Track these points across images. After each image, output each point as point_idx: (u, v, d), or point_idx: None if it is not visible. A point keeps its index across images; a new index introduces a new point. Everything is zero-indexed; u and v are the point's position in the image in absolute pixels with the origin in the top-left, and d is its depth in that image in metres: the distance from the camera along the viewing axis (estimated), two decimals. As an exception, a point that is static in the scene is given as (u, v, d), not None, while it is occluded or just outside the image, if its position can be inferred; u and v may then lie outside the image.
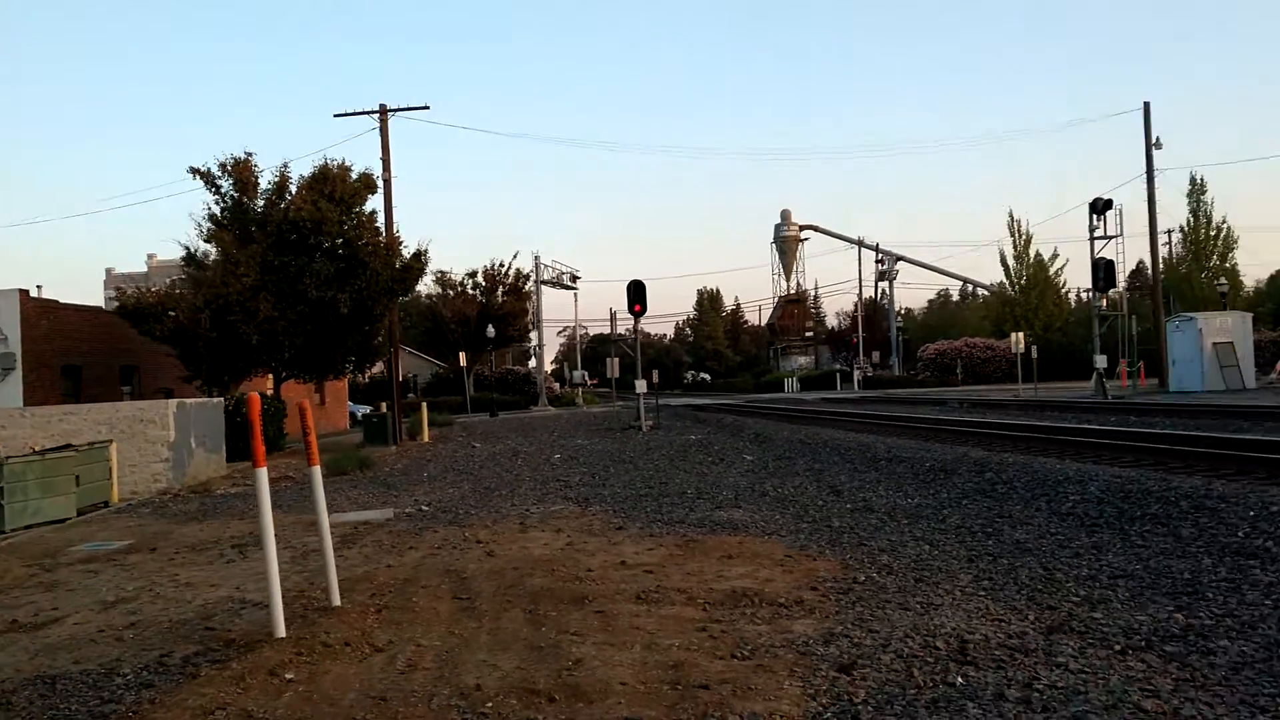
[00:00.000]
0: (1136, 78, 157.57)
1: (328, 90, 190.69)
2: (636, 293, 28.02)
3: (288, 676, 5.17)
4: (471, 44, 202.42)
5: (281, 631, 5.90)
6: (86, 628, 6.84)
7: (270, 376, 28.23)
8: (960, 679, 4.67)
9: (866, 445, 16.85)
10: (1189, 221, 60.18)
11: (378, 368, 47.30)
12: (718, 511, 10.75)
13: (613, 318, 55.07)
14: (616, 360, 37.79)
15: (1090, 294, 40.52)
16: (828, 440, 18.85)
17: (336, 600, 6.70)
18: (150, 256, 67.69)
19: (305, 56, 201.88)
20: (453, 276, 60.32)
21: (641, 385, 29.11)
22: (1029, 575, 6.84)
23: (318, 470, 6.72)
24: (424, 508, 12.56)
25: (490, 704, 4.63)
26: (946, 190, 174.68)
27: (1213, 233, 59.79)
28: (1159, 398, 33.45)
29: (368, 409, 52.62)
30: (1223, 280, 53.86)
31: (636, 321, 29.48)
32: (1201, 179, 59.39)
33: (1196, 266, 59.61)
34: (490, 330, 49.65)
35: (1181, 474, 10.60)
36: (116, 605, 7.54)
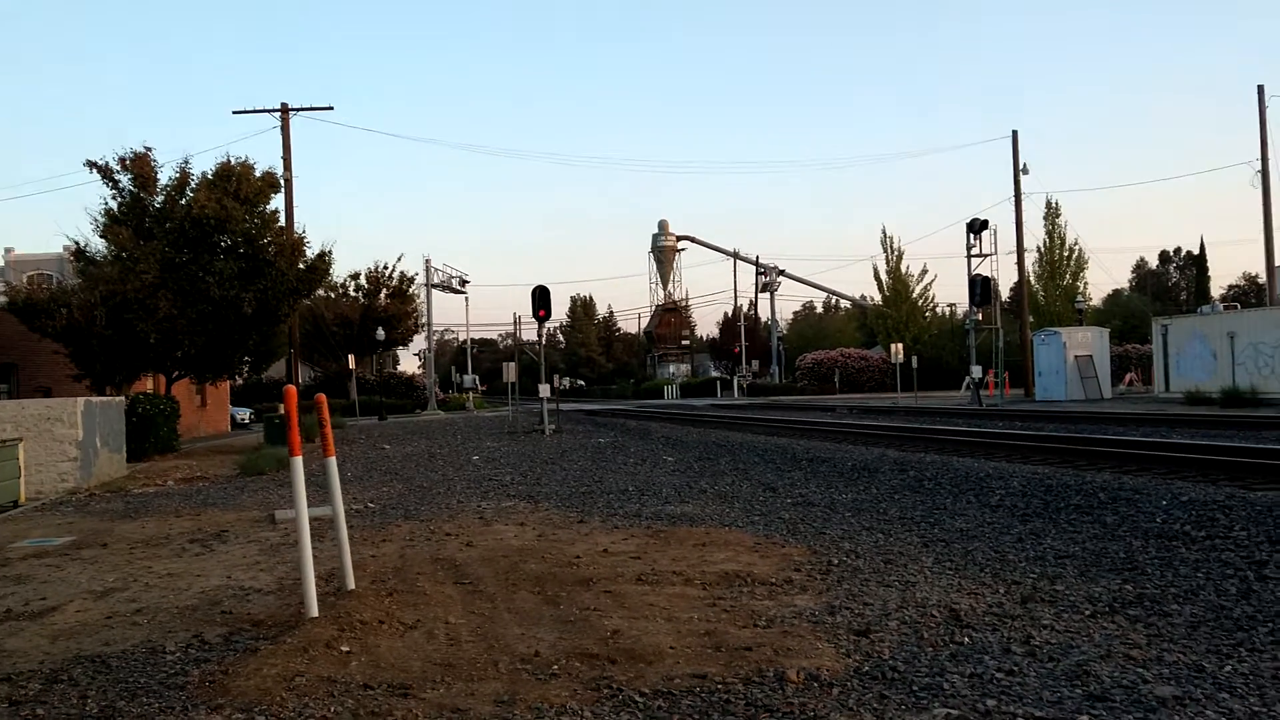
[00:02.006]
0: (1009, 107, 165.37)
1: (229, 88, 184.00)
2: (541, 298, 28.37)
3: (344, 649, 5.47)
4: (374, 51, 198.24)
5: (315, 611, 6.16)
6: (92, 615, 6.92)
7: (162, 377, 27.51)
8: (966, 638, 5.33)
9: (781, 447, 17.66)
10: (1045, 242, 63.80)
11: (274, 369, 46.23)
12: (668, 507, 11.29)
13: (516, 322, 55.41)
14: (514, 365, 37.99)
15: (968, 308, 42.66)
16: (740, 443, 19.61)
17: (351, 584, 6.96)
18: (8, 251, 64.36)
19: (206, 53, 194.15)
20: (334, 279, 59.42)
21: (545, 390, 29.45)
22: (984, 557, 7.61)
23: (333, 461, 6.98)
24: (370, 505, 12.73)
25: (556, 666, 5.05)
26: (822, 207, 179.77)
27: (1066, 253, 63.52)
28: (1028, 406, 35.55)
29: (248, 412, 51.49)
30: (1081, 297, 57.32)
31: (541, 326, 29.82)
32: (1056, 203, 63.01)
33: (1051, 284, 63.24)
34: (380, 333, 49.06)
35: (1091, 470, 11.67)
36: (110, 594, 7.60)
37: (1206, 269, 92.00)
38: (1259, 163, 40.20)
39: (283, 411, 30.58)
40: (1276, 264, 42.07)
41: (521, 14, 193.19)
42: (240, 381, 40.62)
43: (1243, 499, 8.88)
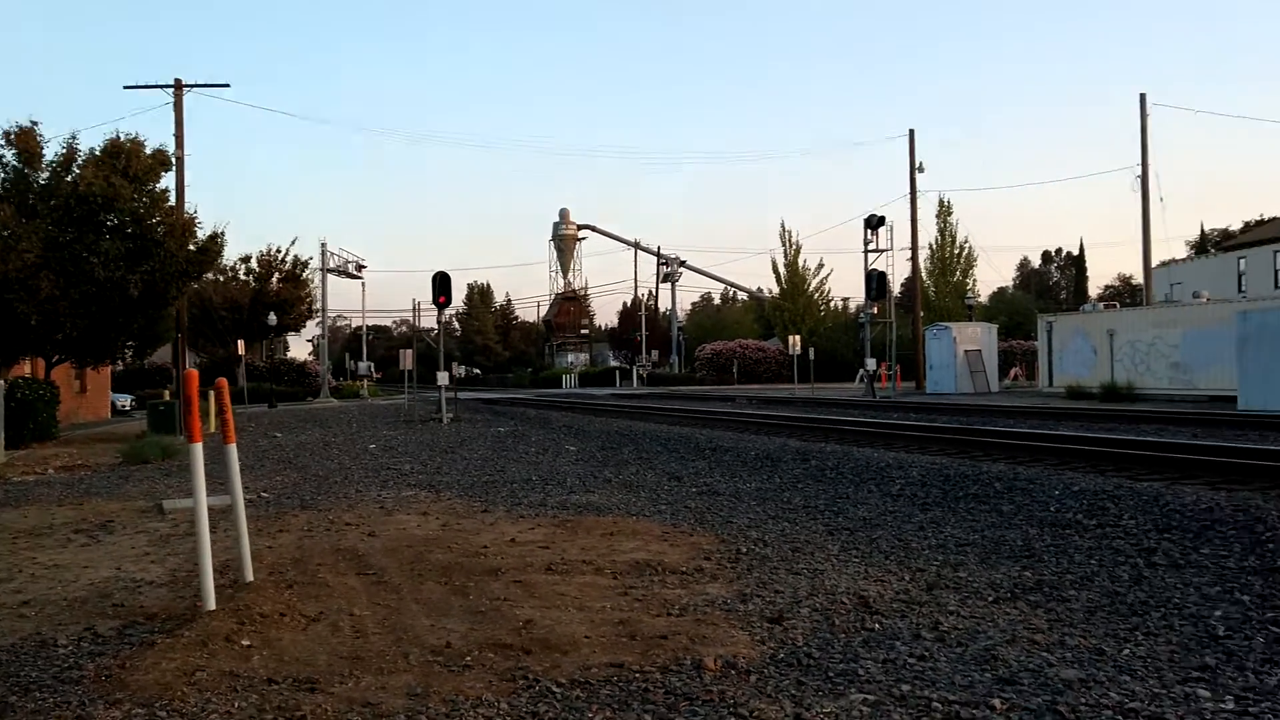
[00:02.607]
0: (907, 106, 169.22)
1: (121, 63, 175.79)
2: (442, 284, 27.96)
3: (245, 643, 5.27)
4: (272, 31, 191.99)
5: (212, 604, 5.92)
6: (-32, 609, 6.54)
7: (41, 360, 26.26)
8: (876, 625, 5.40)
9: (684, 437, 17.75)
10: (937, 240, 65.54)
11: (157, 355, 44.58)
12: (573, 496, 11.22)
13: (415, 309, 54.39)
14: (411, 352, 37.38)
15: (864, 302, 43.62)
16: (643, 432, 19.65)
17: (249, 576, 6.72)
18: None
19: (97, 25, 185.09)
20: (225, 262, 57.61)
21: (444, 378, 29.05)
22: (888, 545, 7.74)
23: (233, 448, 6.73)
24: (263, 494, 12.33)
25: (469, 657, 4.94)
26: (725, 199, 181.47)
27: (957, 250, 65.36)
28: (920, 398, 36.52)
29: (129, 398, 49.57)
30: (971, 294, 59.09)
31: (440, 313, 29.43)
32: (948, 201, 64.78)
33: (943, 281, 65.02)
34: (272, 318, 47.73)
35: (986, 461, 12.01)
36: (-11, 587, 7.19)
37: (1085, 269, 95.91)
38: (1139, 169, 42.00)
39: (168, 398, 29.52)
40: (1153, 266, 44.02)
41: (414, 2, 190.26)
42: (122, 366, 39.04)
43: (1130, 489, 9.24)
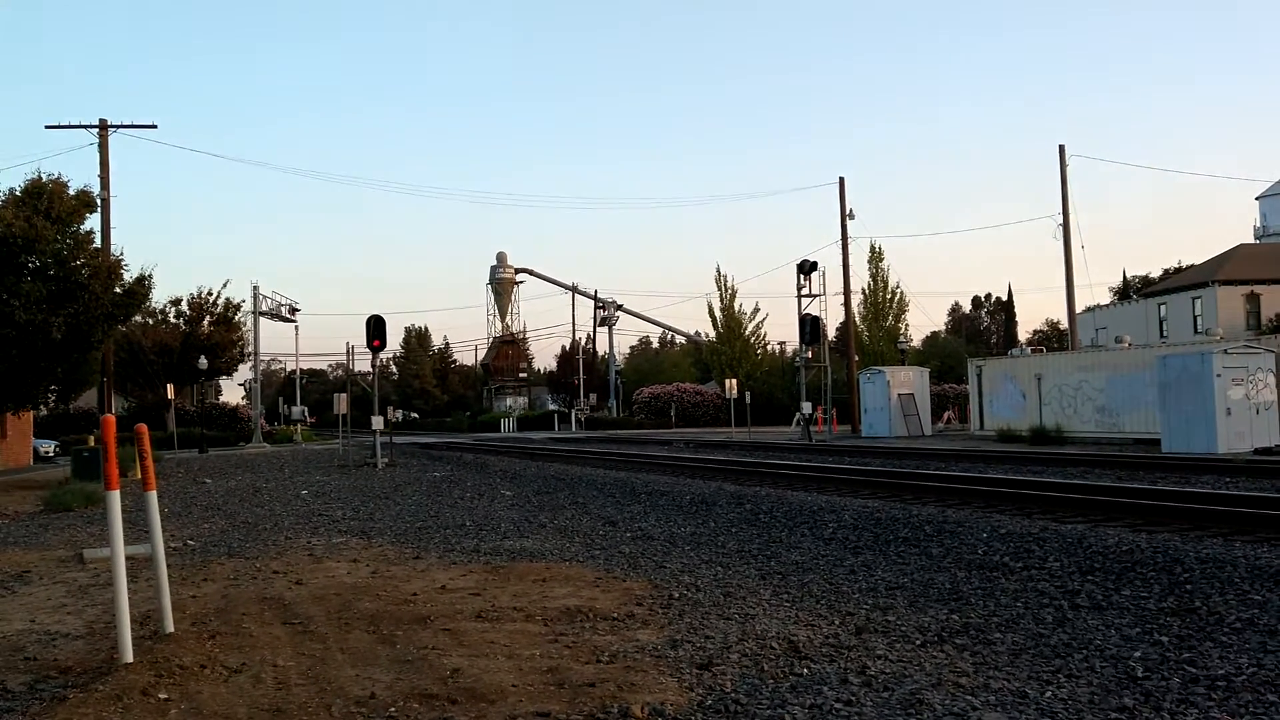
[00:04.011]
0: (839, 153, 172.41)
1: (43, 101, 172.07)
2: (376, 328, 27.75)
3: (162, 696, 5.12)
4: (202, 72, 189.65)
5: (130, 656, 5.75)
6: None
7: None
8: (805, 670, 5.43)
9: (620, 481, 17.73)
10: (869, 285, 66.65)
11: (83, 399, 43.40)
12: (506, 541, 11.13)
13: (349, 352, 53.76)
14: (345, 396, 36.90)
15: (799, 346, 44.10)
16: (579, 477, 19.58)
17: (170, 626, 6.54)
18: None
19: (18, 61, 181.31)
20: (154, 304, 56.52)
21: (378, 422, 28.71)
22: (819, 589, 7.79)
23: (153, 495, 6.57)
24: (190, 542, 12.06)
25: (394, 708, 4.86)
26: (661, 244, 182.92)
27: (889, 295, 66.53)
28: (856, 442, 36.90)
29: (53, 444, 48.11)
30: (903, 339, 60.08)
31: (375, 356, 29.14)
32: (880, 247, 65.96)
33: (876, 325, 66.08)
34: (203, 362, 46.84)
35: (917, 504, 12.17)
36: (-109, 642, 6.90)
37: (1014, 314, 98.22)
38: (1061, 217, 43.25)
39: (93, 444, 28.76)
40: (1077, 311, 45.22)
41: (351, 40, 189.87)
42: (45, 411, 37.96)
43: (1055, 531, 9.43)
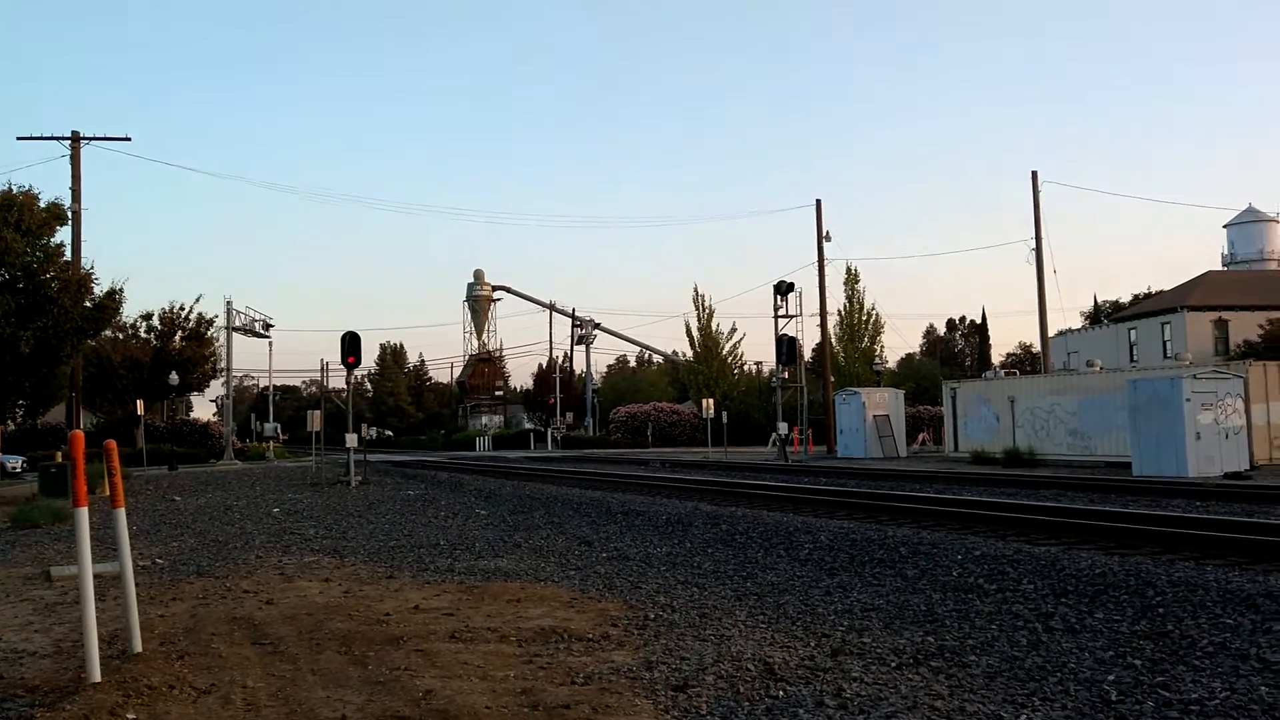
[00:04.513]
0: (817, 174, 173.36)
1: (14, 111, 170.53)
2: (351, 344, 27.60)
3: (130, 716, 5.04)
4: (176, 86, 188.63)
5: (97, 676, 5.65)
6: None
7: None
8: (780, 692, 5.40)
9: (596, 501, 17.66)
10: (845, 306, 66.95)
11: (51, 414, 42.91)
12: (481, 561, 11.05)
13: (323, 369, 53.46)
14: (319, 413, 36.58)
15: (776, 367, 44.21)
16: (554, 496, 19.50)
17: (138, 646, 6.44)
18: None
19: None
20: (125, 319, 55.94)
21: (352, 439, 28.51)
22: (795, 610, 7.78)
23: (122, 512, 6.48)
24: (158, 561, 11.90)
25: (365, 732, 4.80)
26: (640, 263, 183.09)
27: (865, 317, 66.85)
28: (831, 462, 36.98)
29: (20, 460, 47.47)
30: (879, 360, 60.40)
31: (350, 373, 28.96)
32: (856, 269, 66.25)
33: (851, 347, 66.38)
34: (174, 377, 46.38)
35: (892, 525, 12.20)
36: None
37: (988, 337, 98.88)
38: (1034, 241, 43.67)
39: (61, 459, 28.40)
40: (1050, 335, 45.60)
41: (328, 56, 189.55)
42: (13, 426, 37.47)
43: (1029, 553, 9.46)
